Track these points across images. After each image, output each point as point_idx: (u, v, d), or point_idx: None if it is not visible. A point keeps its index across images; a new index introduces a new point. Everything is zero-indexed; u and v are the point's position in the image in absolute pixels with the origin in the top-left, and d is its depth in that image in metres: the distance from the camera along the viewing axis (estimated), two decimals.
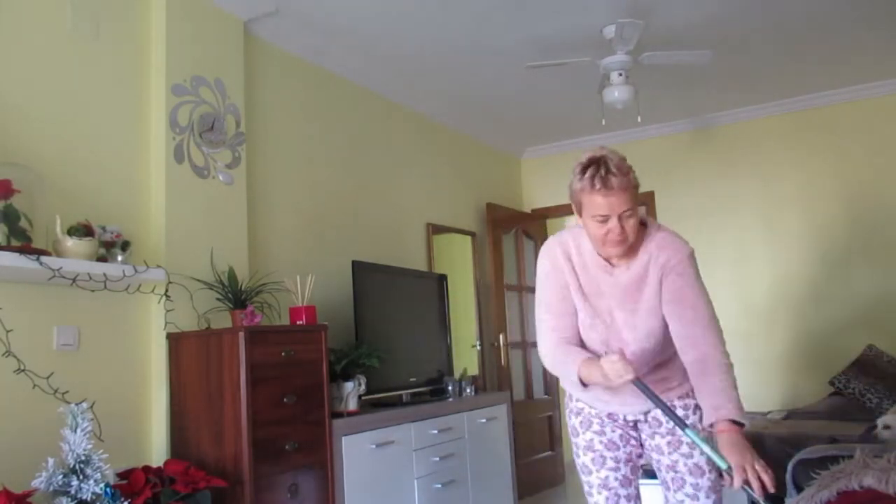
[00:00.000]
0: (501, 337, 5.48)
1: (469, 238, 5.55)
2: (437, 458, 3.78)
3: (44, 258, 2.35)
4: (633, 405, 2.11)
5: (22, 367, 2.43)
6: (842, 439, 4.00)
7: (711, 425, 1.90)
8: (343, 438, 3.16)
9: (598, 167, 1.89)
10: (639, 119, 4.96)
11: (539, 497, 5.46)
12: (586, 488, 2.19)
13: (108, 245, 2.70)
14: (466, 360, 5.13)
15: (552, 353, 2.08)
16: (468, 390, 4.40)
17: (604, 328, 2.06)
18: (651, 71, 4.51)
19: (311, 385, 3.05)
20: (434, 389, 4.32)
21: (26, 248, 2.32)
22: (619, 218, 1.90)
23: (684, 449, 2.09)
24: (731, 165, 5.76)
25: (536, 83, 4.82)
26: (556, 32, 4.09)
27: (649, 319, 2.02)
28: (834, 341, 5.28)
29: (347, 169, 4.31)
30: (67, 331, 2.61)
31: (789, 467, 3.70)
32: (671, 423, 2.07)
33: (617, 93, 4.13)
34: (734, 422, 1.86)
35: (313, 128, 4.07)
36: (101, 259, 2.65)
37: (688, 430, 1.88)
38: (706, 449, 1.84)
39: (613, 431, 2.16)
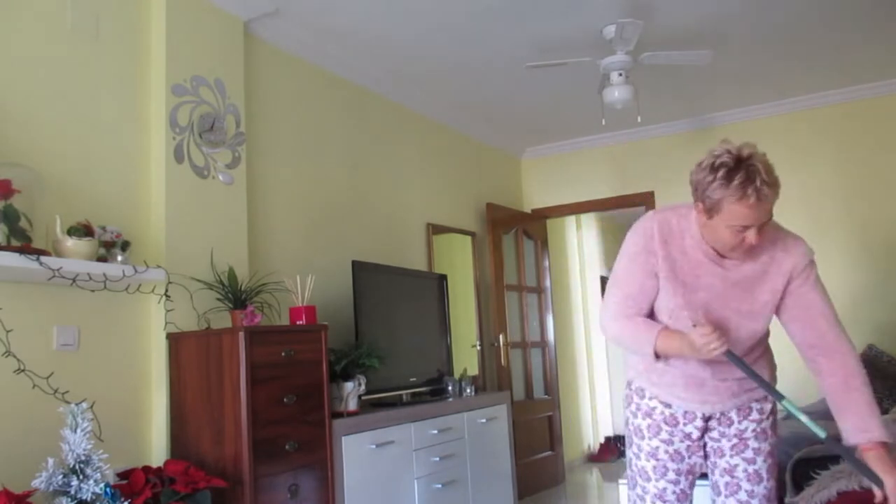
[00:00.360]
0: (501, 337, 5.48)
1: (469, 238, 5.55)
2: (437, 458, 3.78)
3: (44, 258, 2.35)
4: (714, 403, 1.99)
5: (22, 367, 2.43)
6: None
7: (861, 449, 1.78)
8: (343, 438, 3.16)
9: (748, 175, 1.70)
10: (639, 119, 4.96)
11: (539, 497, 5.46)
12: (639, 492, 2.06)
13: (108, 245, 2.70)
14: (466, 360, 5.13)
15: (621, 322, 1.94)
16: (468, 390, 4.40)
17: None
18: (651, 71, 4.51)
19: (311, 385, 3.05)
20: (434, 389, 4.32)
21: (26, 248, 2.32)
22: (759, 227, 1.77)
23: (748, 454, 2.00)
24: None
25: (536, 83, 4.82)
26: (556, 32, 4.09)
27: (756, 321, 1.91)
28: None
29: (347, 169, 4.31)
30: (67, 331, 2.61)
31: (789, 467, 3.71)
32: (742, 425, 2.00)
33: (617, 93, 4.13)
34: (883, 444, 1.76)
35: (313, 128, 4.07)
36: (101, 259, 2.65)
37: (785, 401, 1.80)
38: (804, 419, 1.76)
39: (681, 442, 2.03)
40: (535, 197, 6.47)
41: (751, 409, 2.04)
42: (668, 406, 2.03)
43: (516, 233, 5.99)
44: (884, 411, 4.53)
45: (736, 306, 1.90)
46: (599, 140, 6.20)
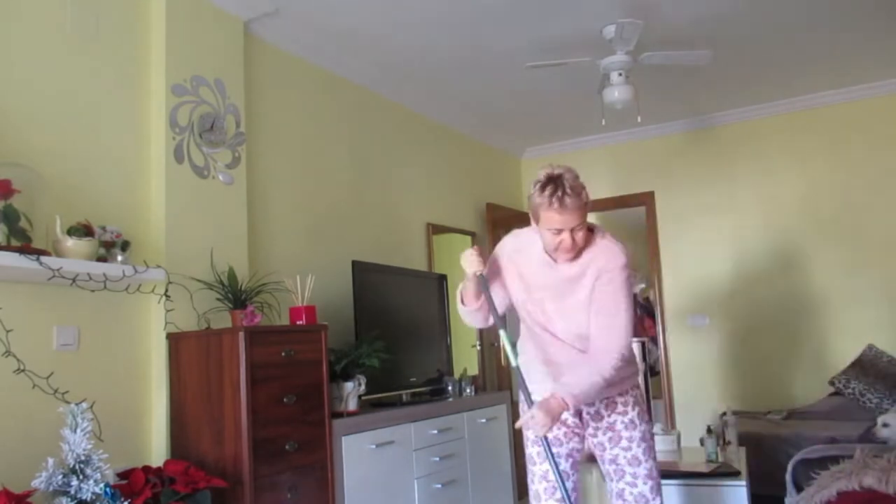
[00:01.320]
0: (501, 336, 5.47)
1: (469, 238, 5.54)
2: (437, 458, 3.78)
3: (44, 258, 2.35)
4: None
5: (22, 367, 2.43)
6: (842, 439, 4.01)
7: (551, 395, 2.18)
8: (343, 438, 3.16)
9: (555, 187, 2.14)
10: (639, 119, 4.96)
11: None
12: (530, 476, 2.44)
13: (108, 245, 2.69)
14: (466, 360, 5.13)
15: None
16: (468, 390, 4.40)
17: (540, 314, 2.38)
18: (651, 71, 4.51)
19: (311, 385, 3.05)
20: (434, 389, 4.32)
21: (26, 248, 2.32)
22: (571, 231, 2.18)
23: (624, 444, 2.37)
24: (731, 165, 5.77)
25: (536, 83, 4.82)
26: (556, 32, 4.09)
27: (578, 313, 2.30)
28: (834, 341, 5.28)
29: (347, 169, 4.31)
30: (67, 331, 2.61)
31: (789, 467, 3.71)
32: (611, 418, 2.39)
33: (617, 93, 4.13)
34: (563, 400, 2.16)
35: (313, 128, 4.07)
36: (101, 259, 2.65)
37: (502, 331, 2.37)
38: (506, 342, 2.34)
39: (559, 429, 2.39)
40: None
41: (615, 402, 2.39)
42: None
43: None
44: (884, 411, 4.53)
45: (566, 300, 2.32)
46: (599, 140, 6.20)
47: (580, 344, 2.33)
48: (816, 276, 5.42)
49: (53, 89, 2.70)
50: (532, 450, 2.43)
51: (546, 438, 2.22)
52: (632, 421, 2.37)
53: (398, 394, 3.98)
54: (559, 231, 2.18)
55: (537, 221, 2.23)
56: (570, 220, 2.16)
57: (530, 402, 2.23)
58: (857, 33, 4.38)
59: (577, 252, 2.25)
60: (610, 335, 2.24)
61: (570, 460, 2.42)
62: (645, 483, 2.36)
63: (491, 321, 2.48)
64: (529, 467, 2.45)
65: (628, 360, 2.34)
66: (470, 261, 2.32)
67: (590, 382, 2.17)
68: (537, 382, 2.41)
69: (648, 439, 2.40)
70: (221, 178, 3.26)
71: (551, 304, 2.35)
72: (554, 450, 2.34)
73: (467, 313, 2.48)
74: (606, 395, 2.34)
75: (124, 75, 2.99)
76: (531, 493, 2.45)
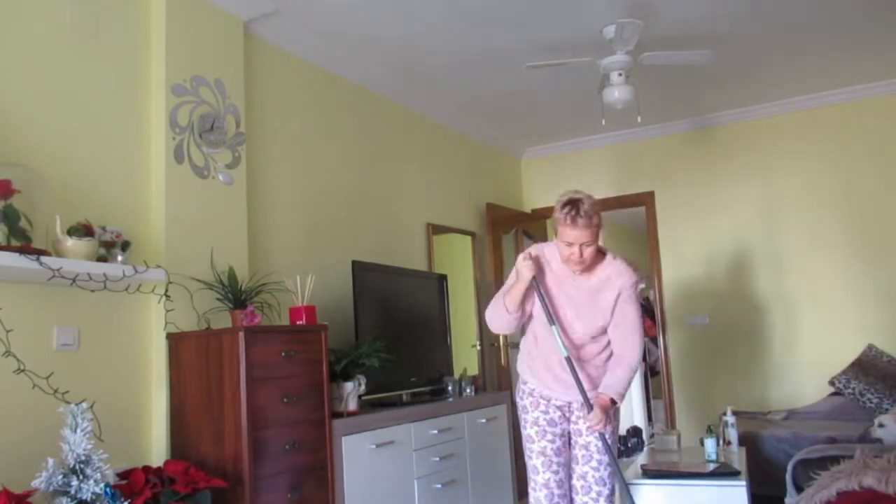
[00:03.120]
0: (501, 337, 5.48)
1: (469, 238, 5.55)
2: (437, 458, 3.78)
3: (44, 258, 2.35)
4: (560, 392, 2.82)
5: (22, 367, 2.43)
6: (841, 439, 4.01)
7: (598, 394, 2.71)
8: (343, 438, 3.16)
9: (572, 207, 2.59)
10: (639, 119, 4.96)
11: None
12: (528, 453, 2.83)
13: (108, 245, 2.69)
14: (466, 360, 5.13)
15: (493, 301, 2.86)
16: (468, 390, 4.40)
17: (561, 316, 2.79)
18: (651, 71, 4.51)
19: (311, 385, 3.05)
20: (434, 389, 4.32)
21: (26, 248, 2.32)
22: (581, 246, 2.61)
23: (597, 435, 2.75)
24: (731, 165, 5.77)
25: (536, 83, 4.82)
26: (556, 32, 4.09)
27: (596, 319, 2.75)
28: (834, 341, 5.28)
29: (347, 169, 4.31)
30: (67, 331, 2.61)
31: (789, 467, 3.71)
32: (588, 439, 2.79)
33: (617, 93, 4.13)
34: (612, 399, 2.70)
35: (313, 128, 4.08)
36: (101, 259, 2.65)
37: (554, 327, 2.73)
38: (557, 337, 2.72)
39: (554, 412, 2.83)
40: (535, 197, 6.47)
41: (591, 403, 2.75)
42: (542, 395, 2.86)
43: (516, 233, 5.98)
44: (884, 411, 4.53)
45: (584, 307, 2.75)
46: (599, 140, 6.20)
47: (582, 345, 2.79)
48: (816, 275, 5.42)
49: (53, 89, 2.70)
50: (531, 430, 2.85)
51: (603, 436, 2.70)
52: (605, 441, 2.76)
53: (398, 394, 3.98)
54: (570, 244, 2.62)
55: (558, 233, 2.68)
56: (581, 237, 2.59)
57: (589, 406, 2.69)
58: (858, 33, 4.38)
59: (586, 266, 2.69)
60: (633, 340, 2.75)
61: (563, 439, 2.86)
62: (606, 469, 2.79)
63: (515, 326, 2.85)
64: (527, 445, 2.85)
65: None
66: (528, 266, 2.68)
67: (626, 378, 2.72)
68: (538, 378, 2.88)
69: (616, 433, 2.91)
70: (221, 179, 3.26)
71: (570, 310, 2.76)
72: (550, 429, 2.82)
73: (505, 318, 2.80)
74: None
75: (124, 75, 2.99)
76: (529, 468, 2.83)
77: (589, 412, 2.67)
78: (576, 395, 2.76)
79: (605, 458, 2.76)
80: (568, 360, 2.70)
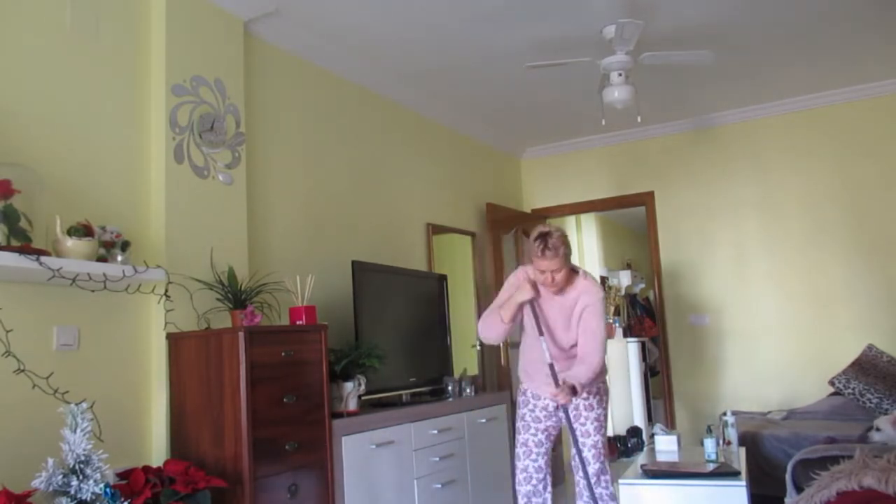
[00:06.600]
0: None
1: (469, 238, 5.55)
2: (437, 458, 3.78)
3: (44, 258, 2.35)
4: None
5: (22, 367, 2.43)
6: (841, 439, 4.01)
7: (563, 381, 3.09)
8: (343, 438, 3.16)
9: (541, 241, 3.04)
10: (639, 119, 4.96)
11: None
12: (517, 441, 3.33)
13: (108, 245, 2.69)
14: (466, 360, 5.13)
15: (486, 314, 3.26)
16: (468, 390, 4.40)
17: (550, 328, 3.25)
18: (651, 71, 4.51)
19: (311, 385, 3.05)
20: (434, 389, 4.32)
21: (26, 248, 2.32)
22: (551, 273, 3.08)
23: (582, 419, 3.22)
24: (731, 165, 5.77)
25: (536, 83, 4.82)
26: (556, 32, 4.09)
27: (571, 331, 3.21)
28: (834, 341, 5.28)
29: (347, 169, 4.31)
30: (67, 331, 2.61)
31: (789, 467, 3.71)
32: (576, 401, 3.21)
33: (617, 93, 4.13)
34: (573, 386, 3.05)
35: (313, 128, 4.07)
36: (101, 259, 2.64)
37: (542, 338, 3.19)
38: (544, 346, 3.17)
39: (542, 411, 3.30)
40: (535, 197, 6.47)
41: (586, 394, 3.21)
42: (536, 397, 3.32)
43: (516, 233, 5.98)
44: (884, 411, 4.53)
45: (562, 321, 3.22)
46: (599, 140, 6.20)
47: (568, 348, 3.24)
48: (816, 275, 5.42)
49: (53, 89, 2.70)
50: (518, 424, 3.35)
51: (566, 408, 3.18)
52: (591, 405, 3.25)
53: (398, 394, 3.98)
54: (542, 271, 3.09)
55: (533, 262, 3.13)
56: (550, 266, 3.06)
57: (557, 382, 3.07)
58: (858, 33, 4.38)
59: (558, 287, 3.15)
60: (594, 345, 3.14)
61: (547, 433, 3.31)
62: (590, 451, 3.22)
63: (504, 336, 3.24)
64: (518, 436, 3.35)
65: (602, 370, 3.18)
66: (528, 290, 3.13)
67: (586, 375, 3.08)
68: (531, 380, 3.33)
69: (602, 420, 3.26)
70: (221, 179, 3.26)
71: (552, 322, 3.23)
72: (534, 424, 3.30)
73: (500, 328, 3.20)
74: (588, 389, 3.21)
75: (124, 75, 2.99)
76: (514, 456, 3.36)
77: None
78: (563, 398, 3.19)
79: (589, 441, 3.22)
80: (551, 365, 3.10)
